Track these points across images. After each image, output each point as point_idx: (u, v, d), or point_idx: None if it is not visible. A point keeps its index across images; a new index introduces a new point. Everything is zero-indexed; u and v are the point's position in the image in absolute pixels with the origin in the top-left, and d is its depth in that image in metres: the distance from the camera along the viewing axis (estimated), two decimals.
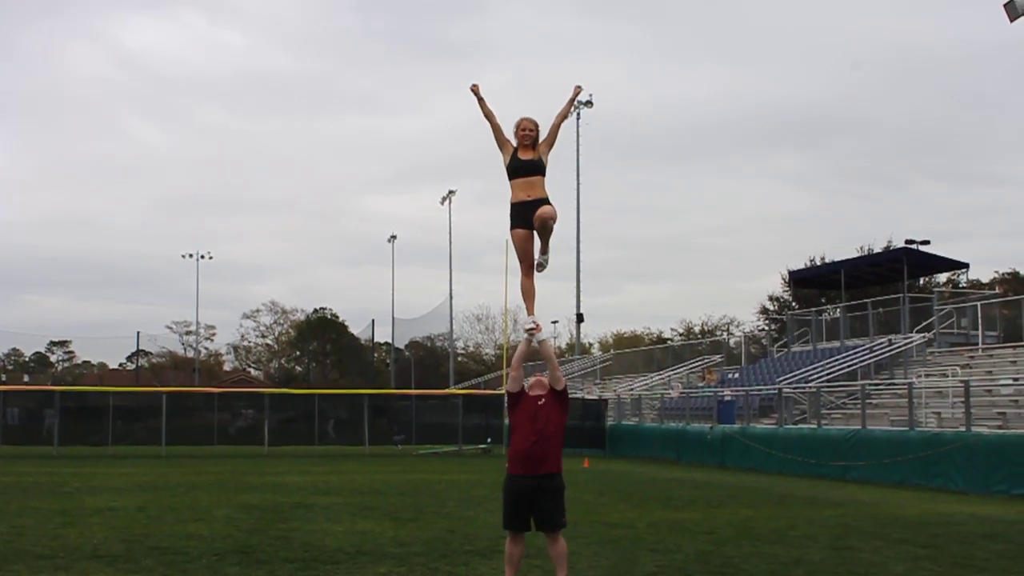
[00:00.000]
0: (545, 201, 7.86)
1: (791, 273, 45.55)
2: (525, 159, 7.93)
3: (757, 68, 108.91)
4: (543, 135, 8.08)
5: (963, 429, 20.60)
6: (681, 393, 35.07)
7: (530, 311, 7.93)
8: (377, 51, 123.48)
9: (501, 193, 8.07)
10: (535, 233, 7.94)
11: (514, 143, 8.06)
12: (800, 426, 26.99)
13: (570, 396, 7.84)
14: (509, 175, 7.97)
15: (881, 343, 32.10)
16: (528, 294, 8.06)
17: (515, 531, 7.56)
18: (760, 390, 31.37)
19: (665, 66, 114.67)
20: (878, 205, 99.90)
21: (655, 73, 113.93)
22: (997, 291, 44.05)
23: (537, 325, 7.71)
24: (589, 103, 50.51)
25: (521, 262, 8.07)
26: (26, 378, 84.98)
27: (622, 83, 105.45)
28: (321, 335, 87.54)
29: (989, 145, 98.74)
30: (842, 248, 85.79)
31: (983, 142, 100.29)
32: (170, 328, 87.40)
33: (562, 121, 8.15)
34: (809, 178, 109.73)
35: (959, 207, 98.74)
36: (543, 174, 7.93)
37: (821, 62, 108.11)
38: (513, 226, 7.90)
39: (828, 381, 29.78)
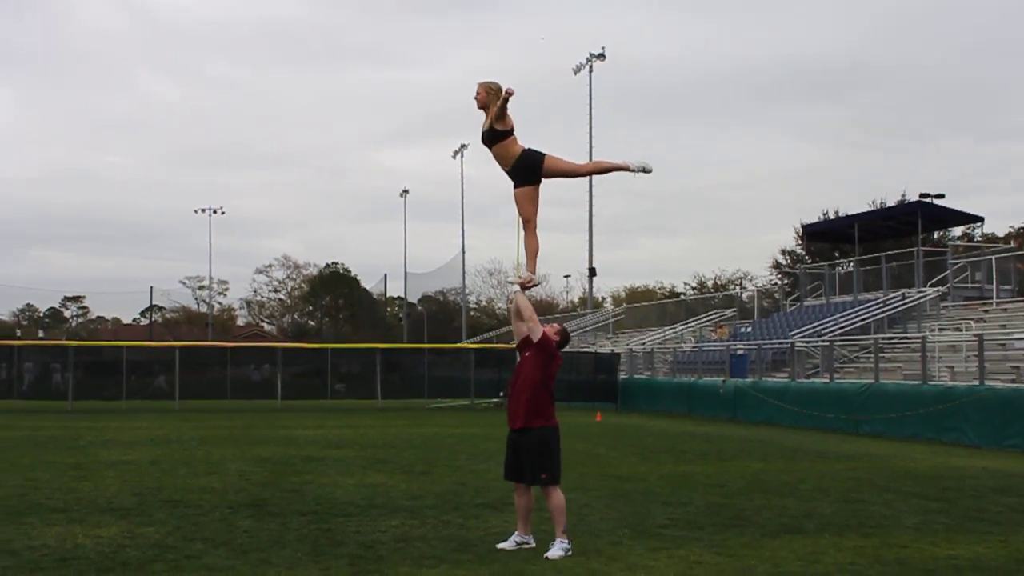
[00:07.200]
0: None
1: (804, 227, 45.30)
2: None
3: (774, 18, 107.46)
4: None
5: (976, 383, 20.54)
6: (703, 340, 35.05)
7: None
8: (391, 1, 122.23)
9: None
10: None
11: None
12: (812, 380, 26.97)
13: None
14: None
15: (895, 297, 31.97)
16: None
17: (514, 482, 7.86)
18: (773, 344, 31.32)
19: (681, 17, 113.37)
20: (894, 159, 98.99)
21: (672, 24, 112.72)
22: (1012, 245, 43.72)
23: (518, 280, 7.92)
24: (601, 56, 49.94)
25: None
26: (40, 333, 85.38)
27: (638, 35, 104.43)
28: (334, 290, 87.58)
29: (1012, 97, 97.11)
30: (856, 202, 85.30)
31: (1007, 94, 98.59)
32: (183, 283, 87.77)
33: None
34: (825, 131, 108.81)
35: (977, 161, 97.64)
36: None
37: (839, 12, 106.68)
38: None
39: (841, 335, 29.69)
